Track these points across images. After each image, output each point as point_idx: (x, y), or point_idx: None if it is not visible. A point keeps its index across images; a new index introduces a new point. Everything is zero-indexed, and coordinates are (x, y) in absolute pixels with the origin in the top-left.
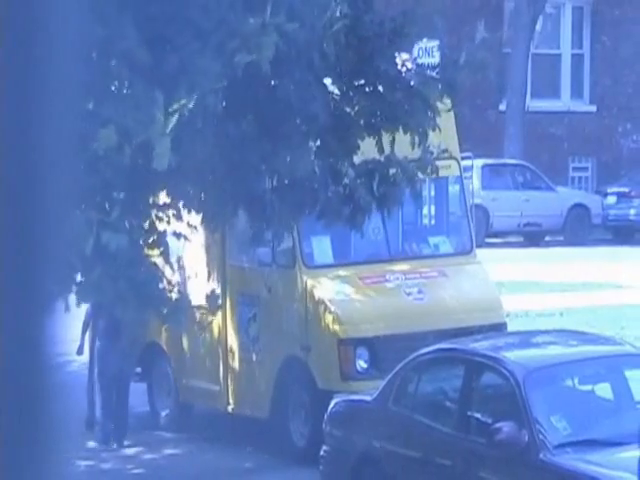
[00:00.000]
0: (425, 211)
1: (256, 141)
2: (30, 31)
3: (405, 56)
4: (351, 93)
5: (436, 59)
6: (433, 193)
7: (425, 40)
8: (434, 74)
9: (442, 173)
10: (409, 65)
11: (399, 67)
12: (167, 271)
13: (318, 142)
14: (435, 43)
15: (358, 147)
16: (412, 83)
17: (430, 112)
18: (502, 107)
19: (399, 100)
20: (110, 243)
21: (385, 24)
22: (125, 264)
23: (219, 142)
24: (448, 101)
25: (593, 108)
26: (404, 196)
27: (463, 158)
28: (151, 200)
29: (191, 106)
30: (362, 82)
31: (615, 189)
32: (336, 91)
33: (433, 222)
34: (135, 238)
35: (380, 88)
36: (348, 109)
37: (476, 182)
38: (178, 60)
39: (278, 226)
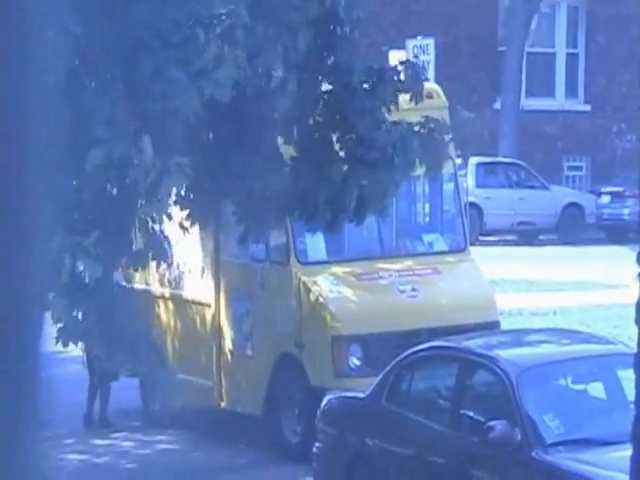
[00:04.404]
0: (419, 209)
1: (231, 148)
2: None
3: (399, 54)
4: (335, 123)
5: (431, 57)
6: (427, 191)
7: (420, 38)
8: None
9: None
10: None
11: (381, 119)
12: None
13: (298, 157)
14: (430, 41)
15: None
16: (394, 139)
17: (411, 166)
18: (497, 105)
19: (379, 154)
20: (85, 273)
21: (362, 77)
22: (99, 297)
23: (200, 147)
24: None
25: (588, 107)
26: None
27: (457, 156)
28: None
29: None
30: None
31: (609, 189)
32: (321, 117)
33: (427, 220)
34: (111, 269)
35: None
36: (331, 136)
37: (470, 180)
38: (153, 66)
39: (265, 226)
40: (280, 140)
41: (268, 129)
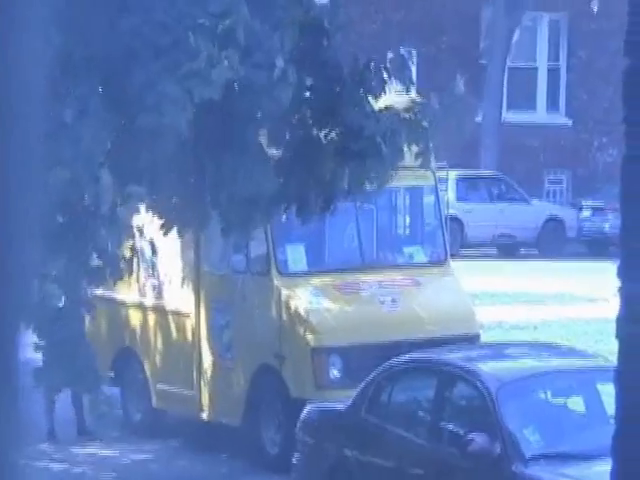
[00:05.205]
0: (400, 220)
1: (217, 150)
2: None
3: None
4: (322, 119)
5: (412, 68)
6: (408, 203)
7: (401, 49)
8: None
9: (417, 183)
10: (384, 104)
11: (369, 109)
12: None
13: (285, 158)
14: (412, 52)
15: (328, 173)
16: (382, 128)
17: (399, 155)
18: (478, 118)
19: (368, 143)
20: (53, 299)
21: (348, 68)
22: (47, 314)
23: (184, 149)
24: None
25: (569, 121)
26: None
27: (438, 168)
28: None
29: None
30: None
31: (590, 203)
32: (308, 113)
33: (408, 232)
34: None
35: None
36: (319, 134)
37: (451, 193)
38: (144, 78)
39: (248, 226)
40: (266, 140)
41: (254, 129)
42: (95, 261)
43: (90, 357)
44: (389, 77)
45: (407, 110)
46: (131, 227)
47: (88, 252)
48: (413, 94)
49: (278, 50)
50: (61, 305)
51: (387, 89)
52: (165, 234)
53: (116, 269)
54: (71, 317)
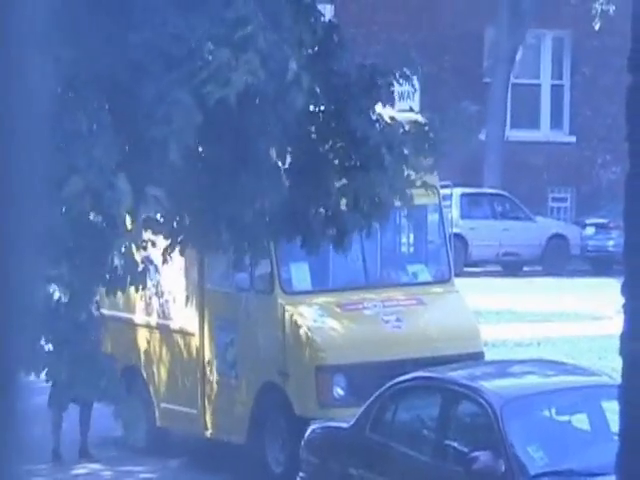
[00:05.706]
0: (404, 239)
1: (227, 168)
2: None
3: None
4: (327, 131)
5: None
6: (412, 221)
7: (405, 68)
8: (417, 117)
9: (421, 201)
10: (389, 115)
11: (375, 119)
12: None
13: (292, 174)
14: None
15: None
16: (388, 138)
17: (406, 168)
18: (482, 136)
19: (373, 153)
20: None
21: (355, 75)
22: (66, 324)
23: (194, 167)
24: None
25: (573, 139)
26: (390, 214)
27: (442, 186)
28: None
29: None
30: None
31: (594, 220)
32: (312, 128)
33: (412, 250)
34: (83, 297)
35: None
36: (323, 147)
37: (455, 211)
38: (154, 89)
39: (258, 249)
40: (276, 156)
41: (265, 145)
42: (114, 270)
43: (111, 367)
44: (395, 79)
45: (413, 123)
46: (143, 240)
47: (104, 260)
48: (417, 114)
49: (290, 56)
50: (77, 317)
51: (394, 95)
52: (169, 254)
53: (137, 275)
54: (88, 329)
